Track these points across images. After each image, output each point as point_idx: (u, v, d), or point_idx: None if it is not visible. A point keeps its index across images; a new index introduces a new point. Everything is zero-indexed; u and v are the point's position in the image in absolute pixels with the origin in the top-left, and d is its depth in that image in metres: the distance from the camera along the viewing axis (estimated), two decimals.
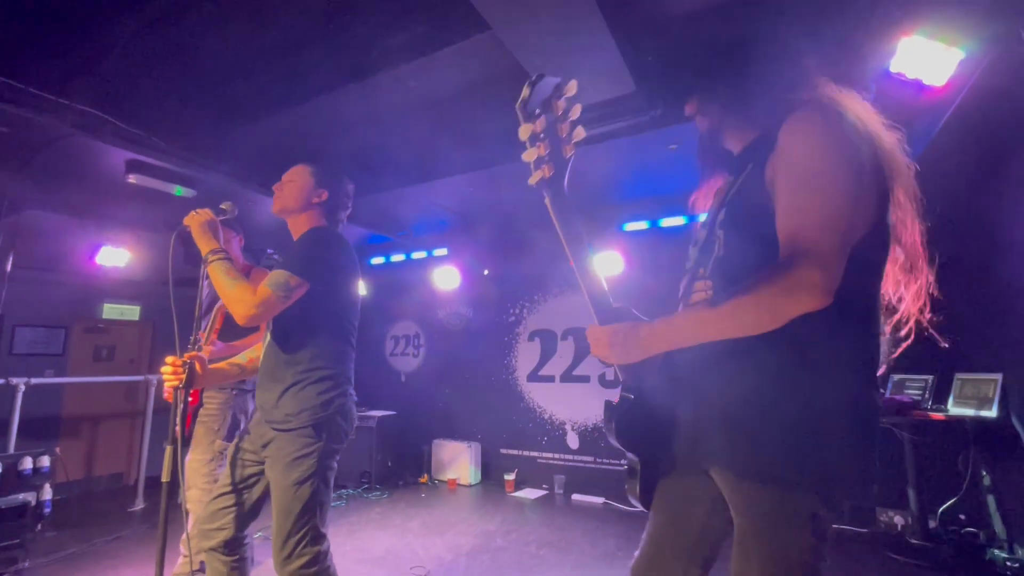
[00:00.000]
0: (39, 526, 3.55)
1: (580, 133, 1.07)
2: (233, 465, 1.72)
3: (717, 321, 0.93)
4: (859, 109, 1.03)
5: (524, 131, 1.06)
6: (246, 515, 1.68)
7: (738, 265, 1.01)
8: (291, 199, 1.81)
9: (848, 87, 1.09)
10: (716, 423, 1.01)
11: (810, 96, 1.04)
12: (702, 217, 1.26)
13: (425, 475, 5.50)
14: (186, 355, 1.65)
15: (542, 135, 1.05)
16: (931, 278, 1.11)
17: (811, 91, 1.05)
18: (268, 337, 1.75)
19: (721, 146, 1.22)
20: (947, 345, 1.21)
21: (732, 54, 1.17)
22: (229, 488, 1.68)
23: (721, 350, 0.96)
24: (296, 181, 1.82)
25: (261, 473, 1.68)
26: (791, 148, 0.96)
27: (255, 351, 1.91)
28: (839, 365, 0.93)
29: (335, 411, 1.65)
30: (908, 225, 1.06)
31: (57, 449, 3.80)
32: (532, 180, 1.08)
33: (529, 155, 1.07)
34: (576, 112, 1.06)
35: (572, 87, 1.05)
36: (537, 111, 1.05)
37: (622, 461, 4.78)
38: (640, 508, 1.17)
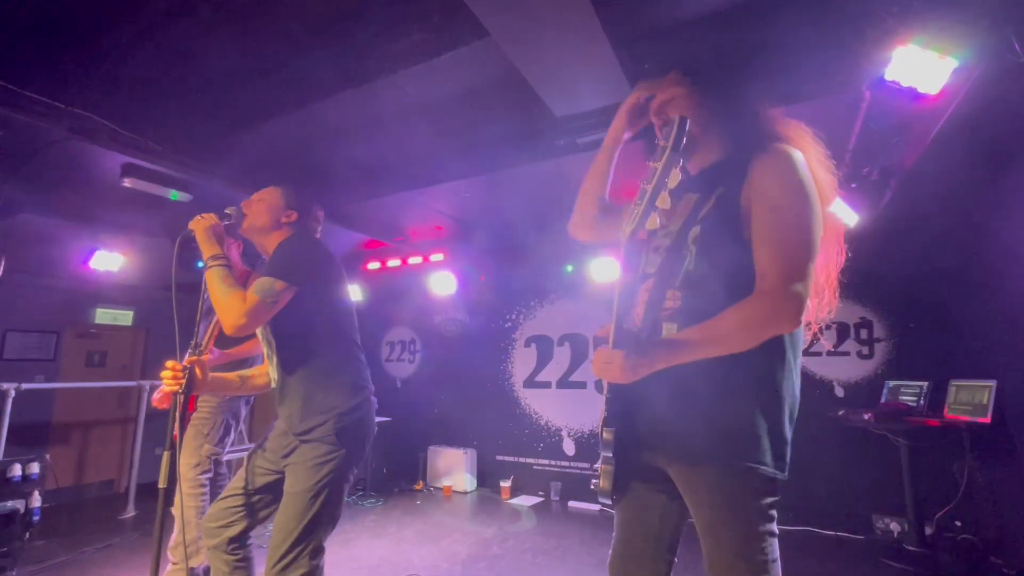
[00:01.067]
0: (28, 534, 3.49)
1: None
2: (248, 472, 1.73)
3: (713, 344, 1.06)
4: (811, 147, 1.19)
5: (675, 177, 1.01)
6: (253, 517, 1.70)
7: (707, 280, 1.14)
8: (260, 217, 1.81)
9: (794, 121, 1.24)
10: (681, 421, 1.13)
11: (776, 131, 1.19)
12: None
13: (420, 482, 5.47)
14: (186, 360, 1.63)
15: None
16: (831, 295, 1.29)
17: (777, 126, 1.20)
18: (275, 356, 1.74)
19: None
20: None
21: (729, 65, 1.28)
22: (240, 491, 1.70)
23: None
24: (266, 200, 1.83)
25: (274, 483, 1.69)
26: (771, 187, 1.10)
27: (264, 369, 1.89)
28: (779, 369, 1.12)
29: (357, 418, 1.67)
30: (828, 255, 1.24)
31: (47, 456, 3.76)
32: (651, 225, 1.04)
33: (664, 200, 1.02)
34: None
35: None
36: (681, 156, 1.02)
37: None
38: (607, 504, 1.24)
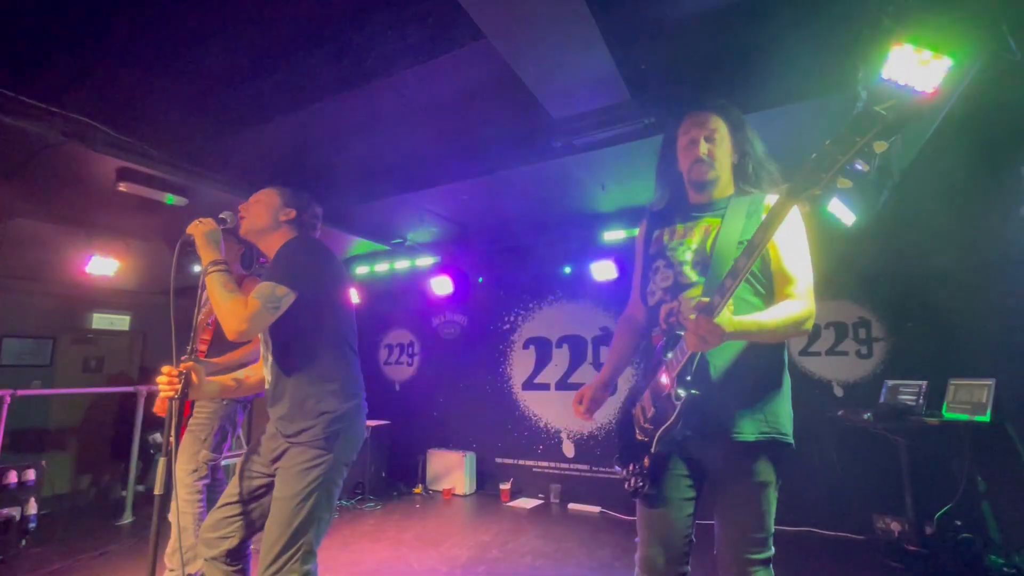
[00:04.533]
0: (23, 541, 3.48)
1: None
2: (241, 477, 1.71)
3: (772, 329, 1.30)
4: None
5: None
6: (251, 526, 1.68)
7: (743, 291, 1.43)
8: (258, 218, 1.81)
9: None
10: (735, 406, 1.38)
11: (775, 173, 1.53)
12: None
13: (419, 485, 5.45)
14: (182, 365, 1.62)
15: None
16: None
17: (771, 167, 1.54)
18: (271, 356, 1.73)
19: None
20: None
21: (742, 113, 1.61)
22: (236, 499, 1.68)
23: (735, 359, 1.41)
24: (263, 201, 1.84)
25: (268, 486, 1.67)
26: (788, 223, 1.36)
27: (257, 368, 1.88)
28: (783, 362, 1.49)
29: (347, 424, 1.66)
30: None
31: (43, 462, 3.74)
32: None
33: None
34: None
35: None
36: None
37: (616, 468, 4.75)
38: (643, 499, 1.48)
